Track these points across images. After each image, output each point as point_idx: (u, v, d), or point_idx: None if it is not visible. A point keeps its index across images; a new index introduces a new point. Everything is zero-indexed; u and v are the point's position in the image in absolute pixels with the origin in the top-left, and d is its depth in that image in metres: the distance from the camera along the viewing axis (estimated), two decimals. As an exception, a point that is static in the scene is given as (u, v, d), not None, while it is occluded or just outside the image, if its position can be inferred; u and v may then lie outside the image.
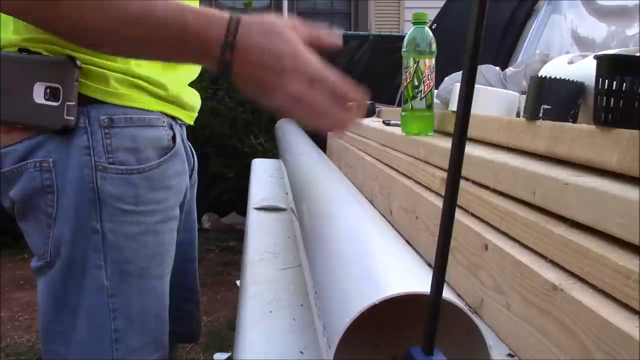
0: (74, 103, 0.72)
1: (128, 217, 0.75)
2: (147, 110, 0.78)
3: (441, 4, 3.07)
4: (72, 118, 0.72)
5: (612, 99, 0.62)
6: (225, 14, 0.63)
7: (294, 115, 0.66)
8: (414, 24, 1.11)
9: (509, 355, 0.63)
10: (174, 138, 0.82)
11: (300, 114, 0.65)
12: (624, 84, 0.61)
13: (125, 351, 0.77)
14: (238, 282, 2.85)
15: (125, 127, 0.75)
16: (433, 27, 2.75)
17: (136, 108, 0.77)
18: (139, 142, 0.76)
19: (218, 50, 0.62)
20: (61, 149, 0.74)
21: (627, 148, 0.55)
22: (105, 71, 0.74)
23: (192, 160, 0.93)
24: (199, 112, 0.94)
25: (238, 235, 3.39)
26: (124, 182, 0.75)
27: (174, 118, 0.84)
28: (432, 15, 2.16)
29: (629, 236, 0.49)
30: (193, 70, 0.89)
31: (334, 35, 0.68)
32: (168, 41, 0.64)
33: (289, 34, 0.63)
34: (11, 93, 0.72)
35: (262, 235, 1.21)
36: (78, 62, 0.72)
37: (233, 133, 3.81)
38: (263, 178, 1.92)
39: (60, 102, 0.71)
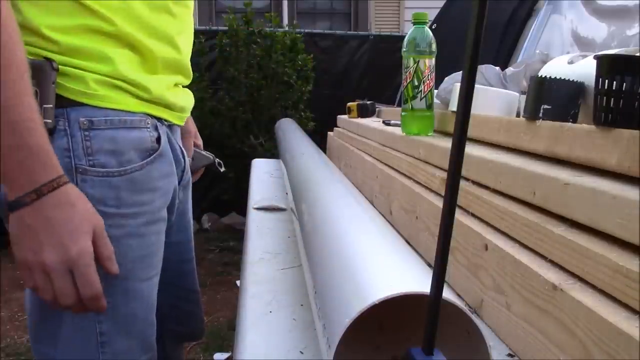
0: (51, 106, 0.71)
1: (110, 220, 0.75)
2: (129, 112, 0.77)
3: (441, 4, 3.07)
4: (50, 121, 0.71)
5: (612, 99, 0.62)
6: (51, 174, 0.65)
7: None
8: (414, 24, 1.11)
9: (509, 355, 0.63)
10: (158, 139, 0.81)
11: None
12: (624, 84, 0.61)
13: (113, 354, 0.77)
14: (238, 282, 2.85)
15: (106, 129, 0.74)
16: (433, 27, 2.75)
17: (117, 110, 0.75)
18: (120, 144, 0.75)
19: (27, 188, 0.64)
20: None
21: (627, 148, 0.55)
22: (84, 72, 0.73)
23: (182, 161, 0.92)
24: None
25: (238, 235, 3.38)
26: (104, 184, 0.74)
27: (159, 119, 0.83)
28: (432, 15, 2.16)
29: (628, 236, 0.49)
30: (182, 73, 0.88)
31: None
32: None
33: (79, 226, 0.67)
34: None
35: (262, 235, 1.21)
36: (55, 65, 0.71)
37: (233, 133, 3.80)
38: (263, 178, 1.92)
39: (38, 105, 0.71)
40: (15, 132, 0.62)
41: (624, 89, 0.61)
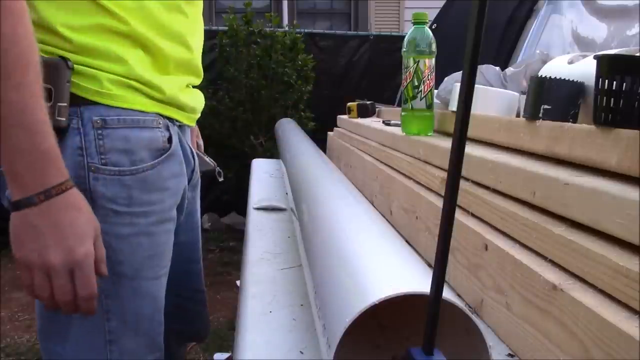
0: (65, 104, 0.72)
1: (120, 219, 0.75)
2: (142, 112, 0.77)
3: (441, 4, 3.07)
4: (64, 119, 0.72)
5: (612, 99, 0.62)
6: (58, 179, 0.65)
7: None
8: (414, 24, 1.11)
9: (509, 355, 0.63)
10: (170, 139, 0.82)
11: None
12: (624, 84, 0.61)
13: (120, 352, 0.77)
14: (238, 282, 2.85)
15: (118, 128, 0.75)
16: (433, 27, 2.75)
17: (130, 109, 0.76)
18: (133, 143, 0.76)
19: (36, 186, 0.64)
20: None
21: (627, 148, 0.55)
22: (99, 72, 0.74)
23: (192, 161, 0.92)
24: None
25: (238, 235, 3.38)
26: (116, 183, 0.74)
27: (171, 119, 0.83)
28: (432, 15, 2.16)
29: (629, 236, 0.49)
30: (194, 73, 0.88)
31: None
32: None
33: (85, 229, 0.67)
34: None
35: (262, 235, 1.21)
36: (70, 63, 0.72)
37: (233, 133, 3.80)
38: (263, 178, 1.92)
39: (52, 103, 0.71)
40: (30, 134, 0.62)
41: (624, 89, 0.61)
